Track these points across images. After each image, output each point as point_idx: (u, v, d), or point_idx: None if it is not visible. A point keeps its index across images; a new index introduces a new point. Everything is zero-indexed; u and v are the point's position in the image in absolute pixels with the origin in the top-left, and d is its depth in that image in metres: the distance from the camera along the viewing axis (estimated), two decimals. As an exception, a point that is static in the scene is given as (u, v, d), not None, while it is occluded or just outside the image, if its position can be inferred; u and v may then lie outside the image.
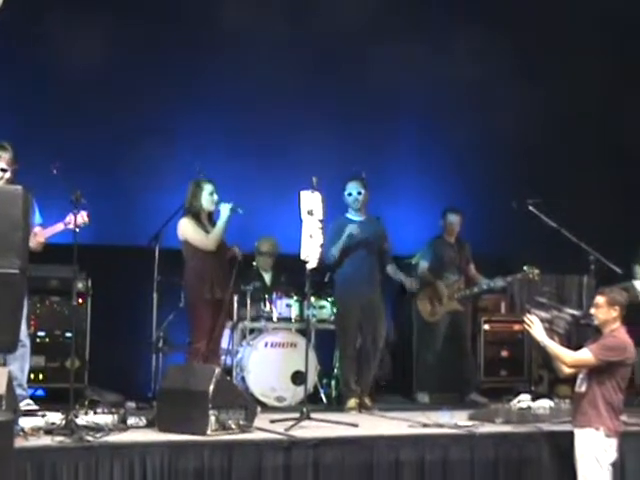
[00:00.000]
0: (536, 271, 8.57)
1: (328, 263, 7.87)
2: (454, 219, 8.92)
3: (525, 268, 8.59)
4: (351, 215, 8.10)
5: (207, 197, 7.40)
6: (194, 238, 7.34)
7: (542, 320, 6.05)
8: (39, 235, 6.77)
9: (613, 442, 5.96)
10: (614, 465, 6.04)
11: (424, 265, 8.87)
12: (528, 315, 6.05)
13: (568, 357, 5.99)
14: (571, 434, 6.12)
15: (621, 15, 10.20)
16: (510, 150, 10.13)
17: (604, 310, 5.99)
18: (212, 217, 7.47)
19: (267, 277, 8.89)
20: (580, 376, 6.05)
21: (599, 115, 10.30)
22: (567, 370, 6.09)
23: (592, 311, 6.06)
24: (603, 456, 5.91)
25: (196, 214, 7.40)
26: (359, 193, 8.02)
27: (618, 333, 6.00)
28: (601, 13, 10.21)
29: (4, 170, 6.60)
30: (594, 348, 5.93)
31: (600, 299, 6.02)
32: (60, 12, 8.70)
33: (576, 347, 6.10)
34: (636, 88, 10.21)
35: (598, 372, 5.93)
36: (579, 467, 5.98)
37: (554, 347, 6.00)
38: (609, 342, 5.94)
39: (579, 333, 6.93)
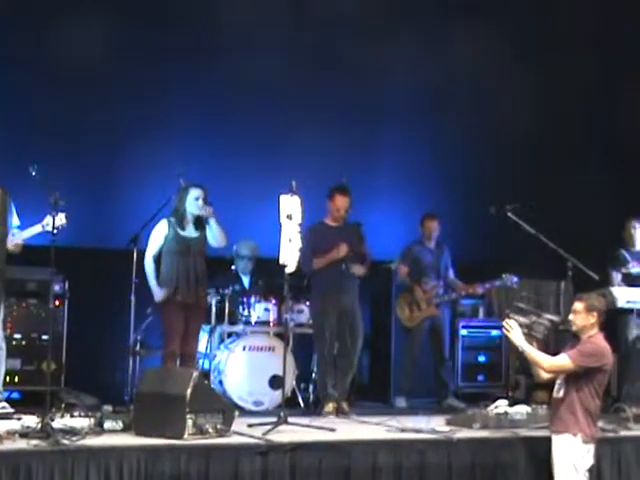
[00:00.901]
0: (514, 279, 8.61)
1: (305, 272, 7.89)
2: (431, 224, 8.95)
3: (503, 276, 8.63)
4: (329, 221, 8.11)
5: (192, 201, 7.42)
6: (149, 240, 7.45)
7: (521, 325, 6.07)
8: (17, 237, 6.74)
9: (590, 448, 5.99)
10: (591, 471, 6.07)
11: (404, 270, 8.89)
12: (507, 320, 6.06)
13: (546, 362, 6.01)
14: (548, 440, 6.13)
15: (620, 12, 10.23)
16: (493, 156, 10.15)
17: (582, 316, 6.01)
18: (201, 222, 7.48)
19: (246, 281, 8.87)
20: (558, 382, 6.08)
21: (592, 114, 10.33)
22: (545, 375, 6.10)
23: (570, 317, 6.07)
24: (580, 462, 5.94)
25: (179, 217, 7.43)
26: (346, 211, 8.03)
27: (596, 339, 6.02)
28: (600, 10, 10.24)
29: None
30: (572, 354, 5.95)
31: (578, 305, 6.04)
32: (57, 13, 8.66)
33: (554, 353, 6.12)
34: (633, 85, 10.25)
35: (576, 378, 5.96)
36: (556, 473, 6.01)
37: (532, 352, 6.02)
38: (587, 348, 5.96)
39: (557, 339, 6.96)
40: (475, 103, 10.05)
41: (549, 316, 6.25)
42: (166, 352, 7.36)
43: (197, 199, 7.41)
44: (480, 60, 10.05)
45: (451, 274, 9.04)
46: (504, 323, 6.06)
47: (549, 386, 7.71)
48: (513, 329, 6.01)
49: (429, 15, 10.08)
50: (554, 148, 10.28)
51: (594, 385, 5.96)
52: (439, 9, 10.05)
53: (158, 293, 7.36)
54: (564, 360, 5.96)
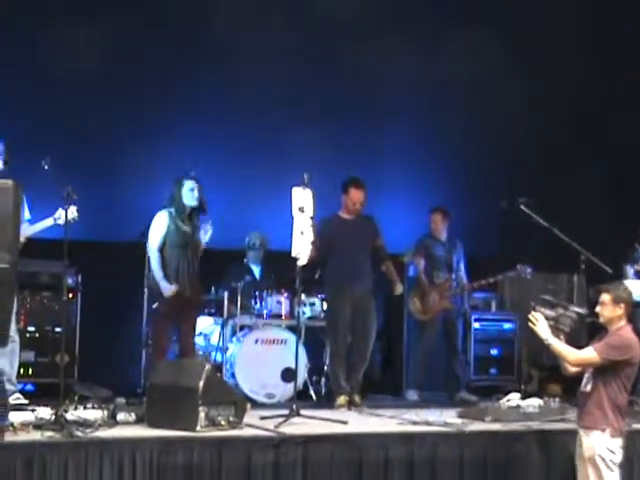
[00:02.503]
0: (528, 270, 8.59)
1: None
2: (435, 218, 8.94)
3: (518, 267, 8.61)
4: (343, 214, 8.12)
5: (187, 193, 7.44)
6: (150, 232, 7.45)
7: (547, 318, 5.89)
8: (27, 231, 6.76)
9: (619, 442, 5.83)
10: (621, 466, 5.90)
11: (422, 262, 8.86)
12: (533, 313, 5.93)
13: (572, 356, 5.85)
14: (561, 433, 6.11)
15: (617, 14, 10.21)
16: (502, 148, 10.14)
17: (609, 308, 5.84)
18: (197, 213, 7.49)
19: (257, 271, 8.89)
20: (586, 375, 5.91)
21: (591, 114, 10.31)
22: (572, 369, 5.94)
23: (597, 309, 5.91)
24: (611, 457, 5.77)
25: (180, 210, 7.44)
26: (362, 204, 8.05)
27: (624, 331, 5.86)
28: (595, 11, 10.22)
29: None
30: (598, 347, 5.80)
31: (605, 297, 5.86)
32: (57, 13, 8.68)
33: (583, 346, 6.01)
34: (630, 87, 10.23)
35: (603, 371, 5.79)
36: (586, 469, 5.83)
37: (558, 345, 5.86)
38: (614, 340, 5.81)
39: (587, 332, 6.84)
40: (477, 101, 10.03)
41: (576, 308, 6.08)
42: (153, 344, 7.44)
43: (192, 190, 7.43)
44: (481, 59, 10.03)
45: (462, 268, 9.03)
46: (530, 316, 5.93)
47: (561, 379, 7.70)
48: (539, 322, 5.87)
49: (431, 15, 10.09)
50: (563, 143, 10.28)
51: (622, 379, 5.80)
52: (440, 9, 10.04)
53: (167, 288, 7.35)
54: (590, 353, 5.80)
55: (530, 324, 5.90)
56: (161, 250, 7.41)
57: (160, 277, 7.35)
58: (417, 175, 10.10)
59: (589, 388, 5.85)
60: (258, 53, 9.44)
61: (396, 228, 9.12)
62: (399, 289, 8.24)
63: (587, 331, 6.80)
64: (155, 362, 7.16)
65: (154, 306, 7.71)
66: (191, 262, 7.45)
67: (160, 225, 7.43)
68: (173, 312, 7.38)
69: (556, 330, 5.91)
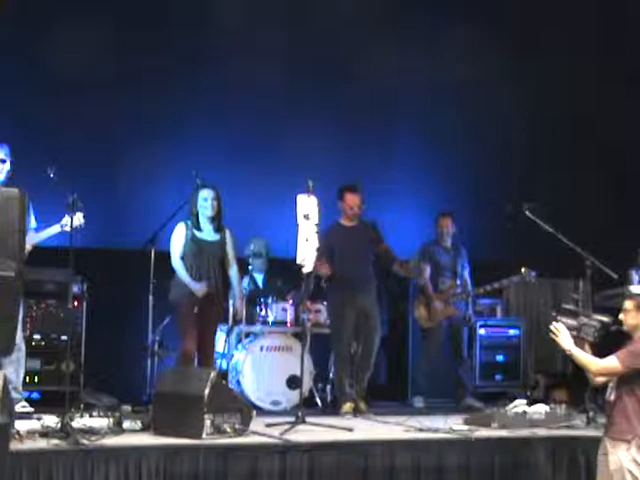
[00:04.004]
0: (533, 273, 8.58)
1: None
2: (445, 222, 8.94)
3: (522, 270, 8.59)
4: (343, 221, 8.14)
5: (201, 203, 7.43)
6: (171, 244, 7.46)
7: (569, 328, 5.77)
8: (33, 238, 6.77)
9: None
10: None
11: (427, 270, 8.85)
12: (555, 323, 5.86)
13: (594, 365, 5.66)
14: (568, 439, 6.08)
15: (617, 14, 10.21)
16: (508, 153, 10.14)
17: (633, 314, 5.66)
18: (217, 221, 7.49)
19: (260, 279, 8.90)
20: (610, 385, 5.75)
21: (594, 117, 10.31)
22: (598, 379, 5.77)
23: (621, 316, 5.74)
24: (637, 469, 5.53)
25: (194, 219, 7.46)
26: (359, 208, 8.06)
27: None
28: (596, 12, 10.22)
29: (3, 161, 6.63)
30: (621, 355, 5.63)
31: (628, 304, 5.69)
32: (60, 15, 8.70)
33: (607, 354, 5.91)
34: (632, 89, 10.23)
35: (627, 380, 5.61)
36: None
37: (581, 356, 5.68)
38: (637, 348, 5.62)
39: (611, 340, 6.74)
40: (484, 104, 10.03)
41: (599, 317, 5.95)
42: (181, 351, 7.40)
43: (205, 200, 7.43)
44: (487, 61, 10.05)
45: (467, 275, 9.03)
46: (551, 326, 5.83)
47: (567, 385, 7.66)
48: (561, 332, 5.71)
49: (435, 15, 10.07)
50: (568, 146, 10.28)
51: None
52: (443, 8, 10.06)
53: (198, 286, 7.35)
54: (613, 362, 5.62)
55: (552, 335, 5.78)
56: (183, 260, 7.42)
57: (189, 280, 7.35)
58: (422, 180, 10.08)
59: (613, 397, 5.67)
60: (264, 57, 9.46)
61: (401, 233, 9.13)
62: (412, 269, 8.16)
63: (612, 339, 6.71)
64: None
65: (167, 320, 7.75)
66: (212, 271, 7.44)
67: (178, 237, 7.45)
68: (197, 317, 7.38)
69: (579, 340, 5.78)
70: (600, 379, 5.75)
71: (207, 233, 7.48)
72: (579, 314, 5.87)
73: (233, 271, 7.58)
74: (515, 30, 10.17)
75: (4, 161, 6.66)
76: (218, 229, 7.50)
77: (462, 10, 9.97)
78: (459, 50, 9.96)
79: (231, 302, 8.06)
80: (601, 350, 5.74)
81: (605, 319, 5.85)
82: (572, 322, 5.79)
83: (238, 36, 9.41)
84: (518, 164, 10.16)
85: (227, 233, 7.53)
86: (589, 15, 10.27)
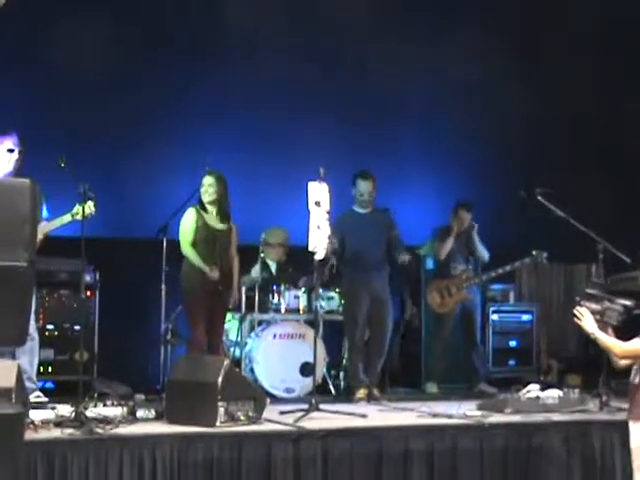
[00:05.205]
0: (545, 254, 8.55)
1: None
2: (465, 216, 8.89)
3: (534, 252, 8.57)
4: (357, 208, 8.14)
5: (204, 189, 7.49)
6: (180, 230, 7.49)
7: (593, 312, 5.80)
8: (45, 228, 6.78)
9: None
10: None
11: (447, 247, 8.80)
12: (578, 308, 5.86)
13: (618, 348, 5.64)
14: (581, 424, 6.06)
15: (621, 14, 10.17)
16: (516, 139, 10.12)
17: None
18: (223, 209, 7.52)
19: (273, 267, 8.90)
20: (634, 367, 5.69)
21: (609, 107, 10.28)
22: (622, 362, 5.71)
23: None
24: None
25: (201, 206, 7.51)
26: (370, 194, 8.05)
27: None
28: (600, 11, 10.19)
29: (11, 150, 6.63)
30: None
31: None
32: (68, 12, 8.69)
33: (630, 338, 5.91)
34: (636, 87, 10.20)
35: None
36: (635, 462, 5.56)
37: (605, 339, 5.65)
38: None
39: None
40: (492, 95, 10.02)
41: (622, 301, 5.98)
42: (191, 340, 7.43)
43: (203, 185, 7.47)
44: (492, 57, 10.03)
45: (485, 255, 8.96)
46: (574, 311, 5.85)
47: (580, 370, 7.62)
48: (584, 317, 5.78)
49: (442, 12, 10.06)
50: (572, 136, 10.27)
51: None
52: (448, 7, 10.05)
53: (212, 272, 7.39)
54: (636, 344, 5.59)
55: (576, 319, 5.80)
56: (193, 246, 7.45)
57: (202, 266, 7.40)
58: (432, 167, 10.08)
59: (638, 380, 5.72)
60: (274, 49, 9.45)
61: (412, 221, 9.11)
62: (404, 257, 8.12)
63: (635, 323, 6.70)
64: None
65: (179, 308, 7.77)
66: (219, 257, 7.47)
67: (188, 222, 7.49)
68: (206, 306, 7.41)
69: (603, 324, 5.81)
70: (624, 362, 5.75)
71: (215, 221, 7.51)
72: (603, 298, 5.89)
73: (235, 262, 7.66)
74: (523, 29, 10.17)
75: (12, 150, 6.65)
76: (223, 218, 7.52)
77: (473, 7, 9.97)
78: (470, 48, 9.94)
79: (244, 289, 8.11)
80: (624, 333, 5.75)
81: (628, 303, 5.86)
82: (596, 306, 5.81)
83: (250, 32, 9.40)
84: (530, 151, 10.14)
85: (232, 225, 7.59)
86: (598, 15, 10.22)
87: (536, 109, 10.17)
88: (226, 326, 8.50)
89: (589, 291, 5.94)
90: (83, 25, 8.64)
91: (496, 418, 6.56)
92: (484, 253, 8.91)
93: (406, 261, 8.02)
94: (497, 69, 10.04)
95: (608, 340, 5.71)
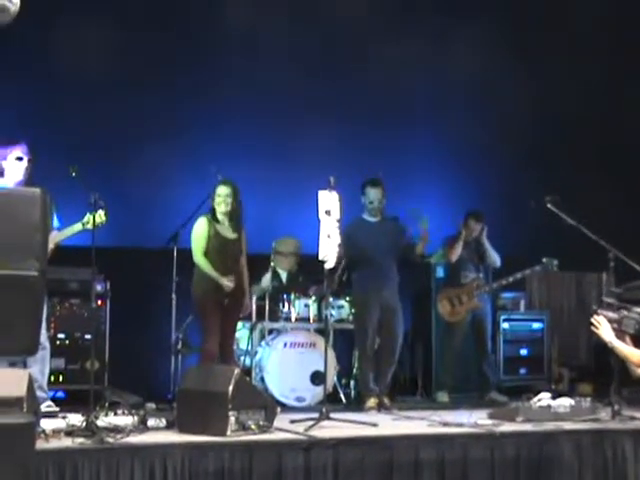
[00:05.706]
0: (554, 262, 8.53)
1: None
2: (476, 226, 8.87)
3: (544, 260, 8.55)
4: (366, 216, 8.14)
5: (217, 199, 7.48)
6: (193, 239, 7.48)
7: (610, 321, 5.81)
8: (56, 237, 6.79)
9: None
10: None
11: (457, 252, 8.77)
12: (595, 316, 5.85)
13: (636, 356, 5.72)
14: (593, 433, 6.04)
15: (621, 14, 10.17)
16: (524, 147, 10.12)
17: None
18: (235, 218, 7.51)
19: (284, 276, 8.90)
20: None
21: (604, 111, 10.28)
22: (639, 370, 5.81)
23: None
24: None
25: (213, 215, 7.50)
26: (380, 202, 8.05)
27: None
28: (600, 11, 10.18)
29: (20, 159, 6.65)
30: None
31: None
32: (72, 16, 8.72)
33: None
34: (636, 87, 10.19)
35: None
36: None
37: (622, 348, 5.74)
38: None
39: None
40: (503, 100, 10.01)
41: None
42: (203, 350, 7.42)
43: (219, 196, 7.46)
44: (500, 59, 10.06)
45: (496, 259, 8.93)
46: (592, 320, 5.84)
47: (592, 378, 7.59)
48: (602, 325, 5.77)
49: (450, 14, 10.08)
50: (583, 144, 10.26)
51: None
52: (452, 6, 10.06)
53: (226, 281, 7.40)
54: None
55: (593, 328, 5.78)
56: (205, 255, 7.45)
57: (216, 275, 7.39)
58: (443, 175, 10.07)
59: None
60: (282, 54, 9.48)
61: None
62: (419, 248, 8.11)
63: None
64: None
65: (190, 318, 7.76)
66: (231, 266, 7.47)
67: (200, 231, 7.48)
68: (218, 315, 7.41)
69: (620, 332, 5.81)
70: None
71: (227, 230, 7.51)
72: (620, 307, 5.88)
73: (245, 271, 7.65)
74: (527, 29, 10.19)
75: (21, 159, 6.67)
76: (235, 228, 7.52)
77: (470, 11, 9.98)
78: (476, 49, 9.95)
79: (254, 298, 8.11)
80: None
81: None
82: (613, 315, 5.81)
83: (258, 38, 9.43)
84: (541, 159, 10.14)
85: (243, 234, 7.58)
86: (599, 14, 10.23)
87: (536, 109, 10.15)
88: (236, 335, 8.51)
89: (606, 299, 5.93)
90: (92, 30, 8.68)
91: (507, 427, 6.53)
92: (495, 257, 8.90)
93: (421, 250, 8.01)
94: (497, 69, 10.02)
95: (626, 349, 5.70)
